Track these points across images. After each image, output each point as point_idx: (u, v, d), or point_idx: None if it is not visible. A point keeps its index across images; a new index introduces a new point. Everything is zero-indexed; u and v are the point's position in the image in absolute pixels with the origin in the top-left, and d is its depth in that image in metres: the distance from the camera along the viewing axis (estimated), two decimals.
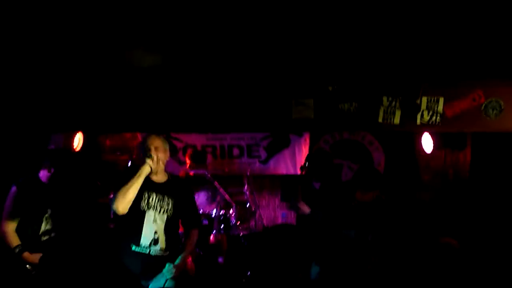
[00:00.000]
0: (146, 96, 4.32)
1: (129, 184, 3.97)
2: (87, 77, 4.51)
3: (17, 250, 4.58)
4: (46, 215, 4.82)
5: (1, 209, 4.75)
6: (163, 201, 4.20)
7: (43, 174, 4.81)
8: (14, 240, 4.64)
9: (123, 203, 3.93)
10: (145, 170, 4.03)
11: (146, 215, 4.10)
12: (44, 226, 4.82)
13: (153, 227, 4.11)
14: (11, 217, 4.67)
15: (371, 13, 3.69)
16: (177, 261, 4.14)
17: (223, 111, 4.27)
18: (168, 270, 4.06)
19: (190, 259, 4.41)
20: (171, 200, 4.22)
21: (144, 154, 4.12)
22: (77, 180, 5.18)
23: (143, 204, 4.10)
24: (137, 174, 4.01)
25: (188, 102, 4.20)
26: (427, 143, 6.38)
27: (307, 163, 5.94)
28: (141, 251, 4.07)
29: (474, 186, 7.04)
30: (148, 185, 4.13)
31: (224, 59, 4.09)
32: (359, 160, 8.00)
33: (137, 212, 4.07)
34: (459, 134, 7.04)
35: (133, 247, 4.07)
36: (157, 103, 4.23)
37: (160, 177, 4.24)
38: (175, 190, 4.28)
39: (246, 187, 7.24)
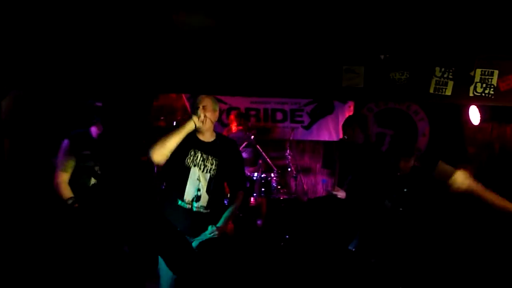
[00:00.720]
0: (192, 57, 4.31)
1: (170, 134, 4.07)
2: (132, 38, 4.51)
3: (69, 201, 4.72)
4: (96, 168, 4.93)
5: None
6: (207, 160, 4.25)
7: (94, 130, 4.91)
8: (67, 191, 4.76)
9: (159, 152, 4.01)
10: (189, 125, 4.12)
11: (190, 172, 4.19)
12: (93, 180, 4.93)
13: (196, 184, 4.19)
14: (63, 169, 4.80)
15: None
16: (220, 223, 4.22)
17: (271, 76, 4.23)
18: (211, 231, 4.15)
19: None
20: (215, 160, 4.27)
21: (192, 111, 4.25)
22: (125, 138, 5.24)
23: (188, 161, 4.19)
24: (181, 127, 4.11)
25: (238, 65, 4.17)
26: (474, 115, 6.27)
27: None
28: (184, 206, 4.18)
29: None
30: (195, 143, 4.23)
31: (274, 23, 4.04)
32: (403, 130, 7.94)
33: (182, 168, 4.19)
34: (508, 108, 6.90)
35: (179, 202, 4.19)
36: (204, 65, 4.22)
37: (207, 137, 4.30)
38: (221, 151, 4.32)
39: (288, 151, 7.28)
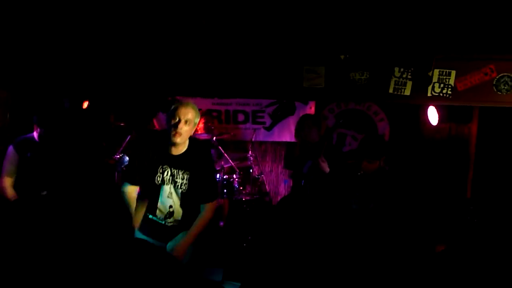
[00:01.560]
0: (153, 58, 4.29)
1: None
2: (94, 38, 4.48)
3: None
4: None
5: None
6: (177, 176, 3.93)
7: (36, 133, 4.94)
8: (11, 194, 4.89)
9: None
10: None
11: (161, 190, 3.93)
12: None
13: (167, 201, 3.95)
14: (8, 175, 4.93)
15: None
16: (178, 241, 3.93)
17: (232, 77, 4.24)
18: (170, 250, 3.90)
19: None
20: (186, 174, 3.94)
21: (168, 123, 3.79)
22: (68, 139, 5.22)
23: (158, 179, 3.90)
24: None
25: (200, 66, 4.16)
26: (432, 115, 6.38)
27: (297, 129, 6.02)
28: (157, 220, 4.00)
29: (479, 160, 7.08)
30: (164, 159, 3.90)
31: (235, 24, 4.05)
32: (363, 130, 8.02)
33: (152, 187, 3.91)
34: (465, 108, 7.04)
35: (150, 216, 4.00)
36: (164, 66, 4.20)
37: (179, 149, 3.91)
38: (192, 162, 3.95)
39: (250, 153, 7.28)
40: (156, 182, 3.90)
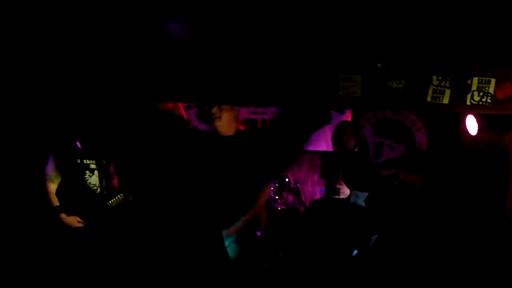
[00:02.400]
0: (187, 67, 4.33)
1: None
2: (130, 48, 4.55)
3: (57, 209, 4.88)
4: (85, 176, 5.05)
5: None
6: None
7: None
8: (54, 200, 5.10)
9: None
10: None
11: None
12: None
13: None
14: (50, 180, 5.12)
15: None
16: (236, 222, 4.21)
17: (268, 86, 4.25)
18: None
19: None
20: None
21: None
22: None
23: None
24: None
25: (235, 75, 4.18)
26: (471, 125, 6.28)
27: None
28: None
29: None
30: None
31: (271, 32, 4.06)
32: (401, 140, 7.94)
33: None
34: (504, 116, 6.90)
35: None
36: (203, 75, 4.23)
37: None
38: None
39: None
40: None
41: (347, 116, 7.93)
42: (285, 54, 4.18)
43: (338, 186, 5.70)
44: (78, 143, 5.11)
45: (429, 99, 3.97)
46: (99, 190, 5.15)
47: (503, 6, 3.48)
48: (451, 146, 7.70)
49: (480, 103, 3.96)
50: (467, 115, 6.14)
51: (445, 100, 3.96)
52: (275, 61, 4.14)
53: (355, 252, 5.05)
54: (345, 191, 5.61)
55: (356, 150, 6.14)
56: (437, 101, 3.96)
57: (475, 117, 6.13)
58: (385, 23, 3.74)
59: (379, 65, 3.98)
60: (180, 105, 7.75)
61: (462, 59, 3.89)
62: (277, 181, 7.07)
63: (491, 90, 3.93)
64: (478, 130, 6.44)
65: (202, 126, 7.82)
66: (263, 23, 3.96)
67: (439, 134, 7.93)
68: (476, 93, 3.94)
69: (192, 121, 7.95)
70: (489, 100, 3.95)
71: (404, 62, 3.97)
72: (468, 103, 3.99)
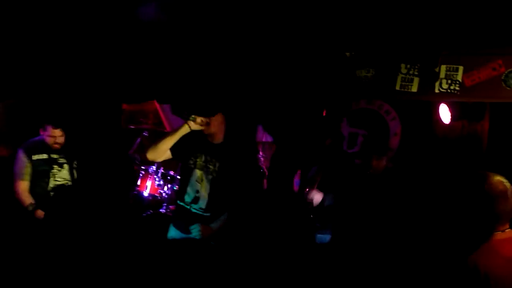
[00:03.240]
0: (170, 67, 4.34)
1: (165, 136, 4.12)
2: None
3: (30, 208, 4.75)
4: (53, 171, 4.97)
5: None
6: (210, 163, 4.20)
7: (44, 135, 5.02)
8: (27, 199, 4.90)
9: (152, 152, 4.12)
10: (183, 129, 4.07)
11: (192, 174, 4.19)
12: (52, 183, 5.07)
13: (196, 186, 4.18)
14: (21, 178, 4.95)
15: None
16: (212, 224, 4.14)
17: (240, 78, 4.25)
18: (195, 228, 4.09)
19: None
20: (218, 163, 4.18)
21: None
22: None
23: (191, 162, 4.20)
24: (175, 130, 4.12)
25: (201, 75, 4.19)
26: (444, 114, 6.30)
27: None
28: (184, 206, 4.22)
29: (492, 158, 6.98)
30: (201, 146, 4.19)
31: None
32: (375, 130, 7.94)
33: (185, 170, 4.24)
34: (477, 105, 6.96)
35: (179, 202, 4.28)
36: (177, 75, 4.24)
37: (215, 139, 4.20)
38: (227, 154, 4.22)
39: (260, 153, 7.26)
40: (189, 166, 4.21)
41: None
42: (256, 46, 4.19)
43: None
44: (45, 137, 4.98)
45: (398, 88, 4.00)
46: (69, 183, 5.08)
47: None
48: (425, 135, 7.75)
49: (449, 90, 3.99)
50: (440, 104, 6.15)
51: (414, 88, 3.99)
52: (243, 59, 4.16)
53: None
54: (318, 199, 5.59)
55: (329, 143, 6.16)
56: (406, 89, 3.99)
57: (448, 106, 6.15)
58: (352, 12, 3.74)
59: (347, 53, 3.99)
60: (156, 103, 7.77)
61: (430, 47, 3.91)
62: None
63: (459, 77, 3.95)
64: (451, 119, 6.47)
65: (175, 119, 7.85)
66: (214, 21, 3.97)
67: (413, 123, 7.95)
68: (444, 81, 3.96)
69: (166, 113, 7.95)
70: (457, 88, 3.98)
71: (372, 51, 3.98)
72: (436, 90, 4.01)
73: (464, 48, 3.94)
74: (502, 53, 3.95)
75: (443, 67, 3.94)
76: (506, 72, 3.98)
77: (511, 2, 3.51)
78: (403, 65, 3.96)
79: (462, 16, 3.69)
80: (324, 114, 7.81)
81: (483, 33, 3.77)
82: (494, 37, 3.78)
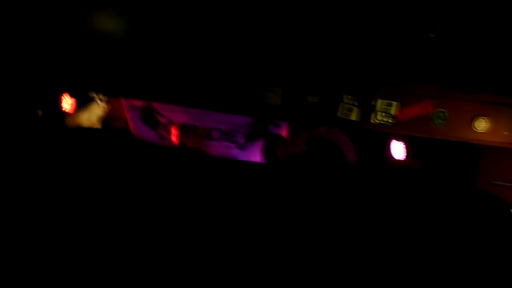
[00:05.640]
0: (137, 63, 4.65)
1: None
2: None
3: None
4: None
5: None
6: None
7: None
8: None
9: None
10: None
11: None
12: None
13: None
14: None
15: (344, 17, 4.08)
16: None
17: (204, 88, 4.61)
18: None
19: None
20: None
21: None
22: None
23: None
24: None
25: (170, 73, 4.54)
26: (397, 150, 6.56)
27: None
28: None
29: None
30: None
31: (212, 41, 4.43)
32: (331, 160, 8.30)
33: None
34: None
35: None
36: (142, 72, 4.56)
37: None
38: None
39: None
40: None
41: (283, 131, 8.30)
42: (220, 61, 4.56)
43: None
44: None
45: (339, 115, 4.42)
46: None
47: (410, 32, 3.96)
48: (379, 168, 8.10)
49: (383, 122, 4.43)
50: (391, 140, 6.45)
51: (353, 117, 4.42)
52: (209, 66, 4.52)
53: None
54: None
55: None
56: (346, 117, 4.41)
57: (402, 142, 6.40)
58: (304, 42, 4.18)
59: (299, 80, 4.41)
60: (124, 105, 8.03)
61: (370, 82, 4.36)
62: None
63: (393, 112, 4.40)
64: (408, 156, 6.76)
65: (145, 129, 8.15)
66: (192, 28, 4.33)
67: (369, 156, 8.32)
68: (379, 113, 4.41)
69: (135, 122, 8.23)
70: (390, 120, 4.42)
71: (320, 80, 4.41)
72: (372, 121, 4.44)
73: (399, 86, 4.40)
74: (431, 94, 4.44)
75: (380, 101, 4.39)
76: (433, 112, 4.46)
77: (444, 48, 3.99)
78: (345, 95, 4.40)
79: (400, 56, 4.15)
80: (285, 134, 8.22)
81: (417, 74, 4.24)
82: (426, 78, 4.25)
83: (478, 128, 4.53)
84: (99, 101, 4.24)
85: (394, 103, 4.41)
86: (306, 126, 8.25)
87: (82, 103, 4.32)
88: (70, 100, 6.74)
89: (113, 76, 4.79)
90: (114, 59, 4.77)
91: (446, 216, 2.88)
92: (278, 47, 4.36)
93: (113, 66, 4.78)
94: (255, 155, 8.43)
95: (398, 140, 6.16)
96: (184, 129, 8.05)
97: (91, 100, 4.26)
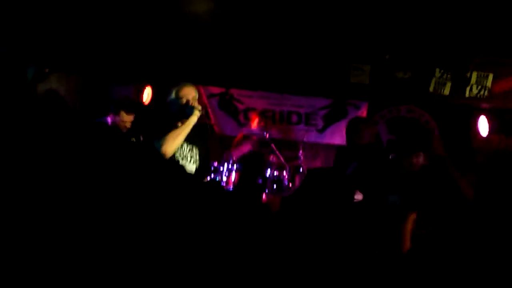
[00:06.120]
0: (212, 50, 4.63)
1: (179, 131, 4.01)
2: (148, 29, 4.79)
3: None
4: None
5: None
6: (192, 151, 4.23)
7: (109, 119, 5.32)
8: None
9: (171, 147, 3.96)
10: (194, 119, 4.06)
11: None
12: None
13: None
14: None
15: None
16: None
17: (281, 72, 4.56)
18: None
19: None
20: (197, 149, 4.25)
21: (187, 108, 4.13)
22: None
23: (177, 154, 4.11)
24: (186, 123, 4.03)
25: (250, 60, 4.50)
26: (483, 126, 6.43)
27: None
28: None
29: None
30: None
31: (286, 21, 4.37)
32: (413, 138, 8.14)
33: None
34: None
35: None
36: (221, 58, 4.54)
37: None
38: (199, 137, 4.28)
39: (300, 152, 7.53)
40: (176, 157, 4.10)
41: (363, 112, 8.18)
42: (300, 44, 4.49)
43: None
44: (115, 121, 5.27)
45: (431, 90, 4.28)
46: None
47: (503, 6, 3.77)
48: (462, 146, 7.91)
49: (478, 96, 4.26)
50: (479, 116, 6.31)
51: (446, 92, 4.27)
52: (290, 50, 4.45)
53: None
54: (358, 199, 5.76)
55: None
56: (439, 92, 4.26)
57: (487, 119, 6.28)
58: (392, 18, 4.05)
59: (387, 56, 4.29)
60: (203, 93, 8.09)
61: (463, 54, 4.19)
62: (292, 168, 7.31)
63: (489, 84, 4.23)
64: (489, 131, 6.61)
65: (222, 115, 8.19)
66: (280, 13, 4.27)
67: (451, 134, 8.12)
68: (474, 86, 4.24)
69: (214, 109, 8.29)
70: (486, 94, 4.25)
71: (410, 54, 4.28)
72: (467, 95, 4.28)
73: (495, 57, 4.22)
74: None
75: (474, 73, 4.22)
76: None
77: None
78: (437, 70, 4.25)
79: (494, 27, 3.96)
80: (365, 115, 8.08)
81: None
82: None
83: None
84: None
85: (490, 74, 4.23)
86: (386, 106, 8.13)
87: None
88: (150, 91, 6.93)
89: (191, 64, 4.77)
90: (191, 47, 4.76)
91: None
92: (361, 21, 4.24)
93: (191, 53, 4.77)
94: (335, 138, 8.35)
95: (483, 115, 6.03)
96: (262, 115, 8.03)
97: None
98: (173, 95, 4.20)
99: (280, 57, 4.54)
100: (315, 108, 8.28)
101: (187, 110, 4.10)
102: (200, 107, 4.15)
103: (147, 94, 6.96)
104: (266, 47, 4.46)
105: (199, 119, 4.14)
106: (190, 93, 4.19)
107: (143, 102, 6.96)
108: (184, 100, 4.15)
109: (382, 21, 4.10)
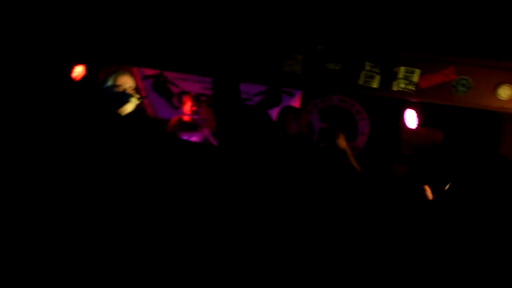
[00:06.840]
0: (147, 32, 4.59)
1: None
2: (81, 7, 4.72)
3: None
4: None
5: None
6: None
7: None
8: None
9: None
10: (130, 108, 4.17)
11: None
12: None
13: None
14: None
15: None
16: None
17: (219, 57, 4.56)
18: None
19: None
20: None
21: (123, 95, 4.20)
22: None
23: None
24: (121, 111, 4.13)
25: (185, 43, 4.49)
26: (411, 118, 6.59)
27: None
28: None
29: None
30: None
31: (224, 9, 4.37)
32: (344, 127, 8.32)
33: None
34: (442, 114, 7.33)
35: None
36: (156, 40, 4.51)
37: None
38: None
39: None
40: None
41: (296, 100, 8.28)
42: (236, 31, 4.50)
43: None
44: None
45: (360, 82, 4.38)
46: None
47: (431, 3, 3.89)
48: (391, 138, 8.14)
49: (405, 90, 4.39)
50: (407, 108, 6.48)
51: (375, 85, 4.38)
52: (225, 35, 4.46)
53: None
54: None
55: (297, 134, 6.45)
56: (367, 85, 4.37)
57: (415, 111, 6.45)
58: (325, 9, 4.11)
59: (319, 47, 4.36)
60: (137, 74, 7.99)
61: (392, 49, 4.31)
62: None
63: (415, 79, 4.36)
64: (418, 124, 6.80)
65: (156, 97, 8.12)
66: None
67: (381, 125, 8.34)
68: (402, 81, 4.37)
69: (147, 91, 8.20)
70: (413, 88, 4.38)
71: (341, 47, 4.36)
72: (394, 89, 4.41)
73: (422, 53, 4.36)
74: (454, 62, 4.40)
75: (402, 68, 4.35)
76: (456, 79, 4.42)
77: (467, 14, 3.92)
78: (366, 63, 4.35)
79: (423, 24, 4.09)
80: (298, 104, 8.19)
81: (441, 41, 4.19)
82: (449, 46, 4.21)
83: (502, 96, 4.50)
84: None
85: (417, 70, 4.36)
86: (319, 95, 8.27)
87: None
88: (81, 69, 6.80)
89: (125, 45, 4.71)
90: (125, 28, 4.70)
91: (469, 183, 2.87)
92: (296, 11, 4.28)
93: (124, 34, 4.71)
94: None
95: (412, 108, 6.19)
96: (197, 99, 8.01)
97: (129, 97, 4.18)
98: (110, 82, 4.25)
99: (215, 42, 4.51)
100: (249, 95, 8.33)
101: (123, 98, 4.17)
102: (138, 96, 4.23)
103: (77, 72, 6.85)
104: (203, 32, 4.43)
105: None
106: (127, 82, 4.26)
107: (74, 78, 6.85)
108: (121, 89, 4.21)
109: (316, 12, 4.15)
